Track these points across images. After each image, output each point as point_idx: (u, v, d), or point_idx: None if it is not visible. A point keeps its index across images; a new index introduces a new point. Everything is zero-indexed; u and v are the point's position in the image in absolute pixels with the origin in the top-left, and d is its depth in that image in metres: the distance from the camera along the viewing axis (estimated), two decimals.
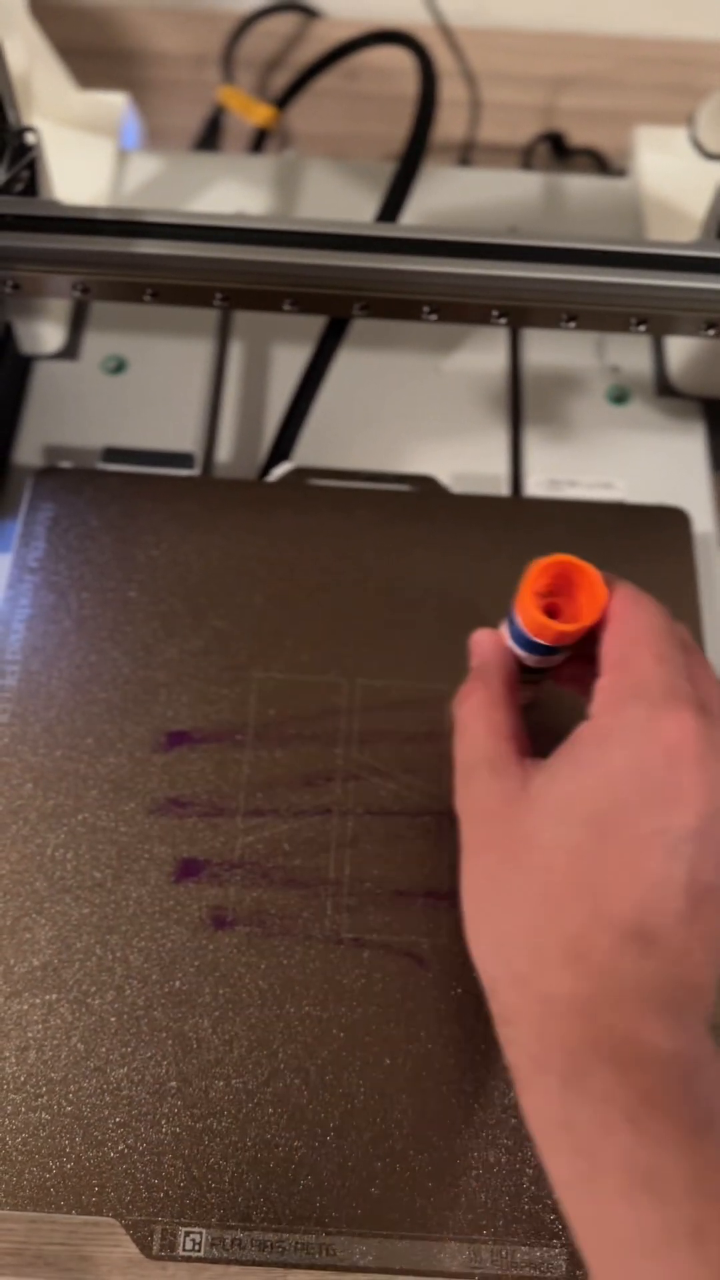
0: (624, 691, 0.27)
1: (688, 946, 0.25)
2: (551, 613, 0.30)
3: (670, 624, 0.29)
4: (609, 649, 0.28)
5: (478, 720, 0.31)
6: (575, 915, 0.26)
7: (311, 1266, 0.32)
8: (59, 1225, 0.39)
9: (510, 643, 0.32)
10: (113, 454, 0.45)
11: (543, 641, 0.30)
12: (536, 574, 0.30)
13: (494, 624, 0.42)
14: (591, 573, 0.29)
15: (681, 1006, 0.24)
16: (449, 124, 0.63)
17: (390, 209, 0.47)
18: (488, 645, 0.33)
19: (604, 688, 0.28)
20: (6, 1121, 0.33)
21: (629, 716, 0.26)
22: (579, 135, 0.65)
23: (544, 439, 0.48)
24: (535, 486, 0.46)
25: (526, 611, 0.30)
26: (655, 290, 0.40)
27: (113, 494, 0.43)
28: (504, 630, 0.33)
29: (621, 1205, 0.22)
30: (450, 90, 0.63)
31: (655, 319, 0.40)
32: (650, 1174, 0.22)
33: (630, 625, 0.28)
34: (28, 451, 0.47)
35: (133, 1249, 0.38)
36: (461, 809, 0.30)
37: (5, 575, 0.41)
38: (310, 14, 0.70)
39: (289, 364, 0.49)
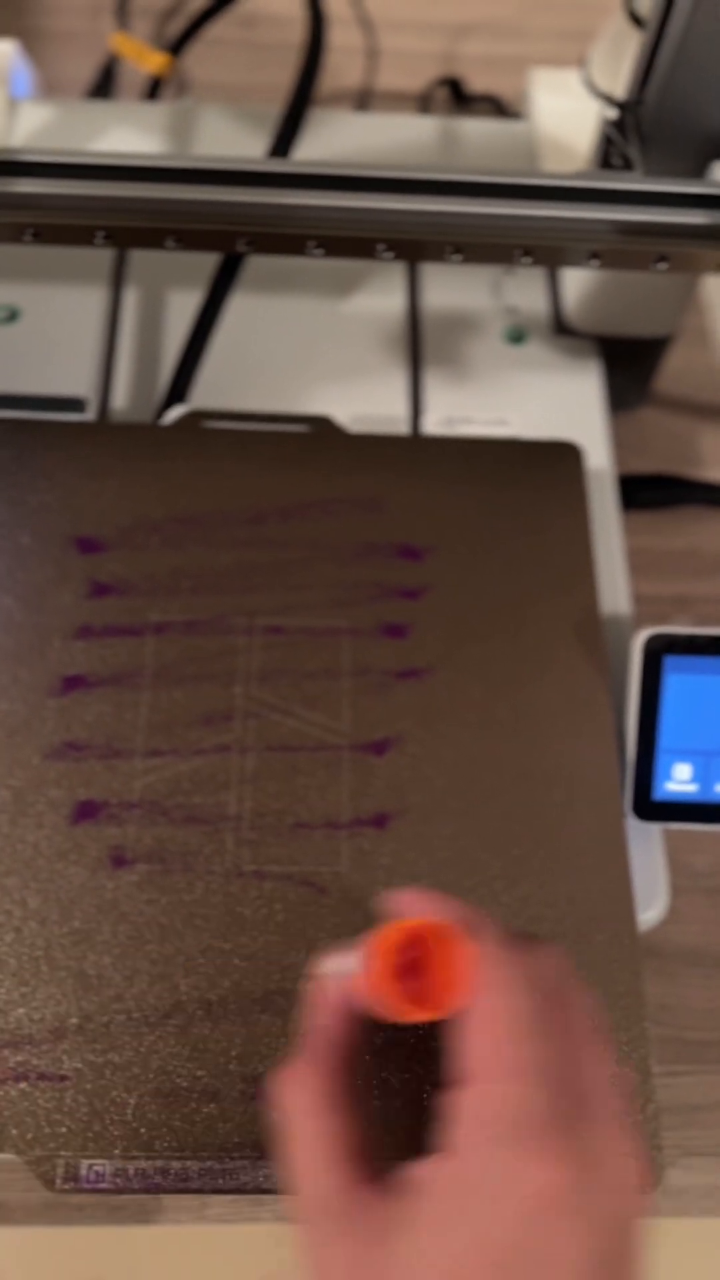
0: (484, 1124, 0.24)
1: None
2: (411, 970, 0.26)
3: (544, 1003, 0.25)
4: (468, 1048, 0.25)
5: (306, 1129, 0.26)
6: None
7: (215, 1191, 0.32)
8: None
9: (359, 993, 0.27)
10: (2, 401, 0.44)
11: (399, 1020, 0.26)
12: (390, 944, 0.26)
13: (384, 562, 0.43)
14: (453, 939, 0.26)
15: None
16: (345, 71, 0.63)
17: (279, 149, 0.47)
18: (327, 1008, 0.27)
19: (461, 1111, 0.24)
20: None
21: (492, 1165, 0.23)
22: (479, 82, 0.65)
23: (442, 379, 0.48)
24: (432, 425, 0.47)
25: (379, 992, 0.26)
26: (538, 221, 0.40)
27: (2, 441, 0.42)
28: (348, 968, 0.27)
29: None
30: (346, 37, 0.63)
31: (540, 250, 0.40)
32: None
33: (495, 1020, 0.24)
34: None
35: (49, 1193, 0.38)
36: (306, 1266, 0.25)
37: None
38: None
39: (185, 309, 0.48)
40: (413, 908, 0.28)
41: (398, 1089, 0.29)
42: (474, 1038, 0.25)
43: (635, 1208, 0.24)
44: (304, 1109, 0.26)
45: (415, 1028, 0.27)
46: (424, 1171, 0.24)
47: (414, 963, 0.26)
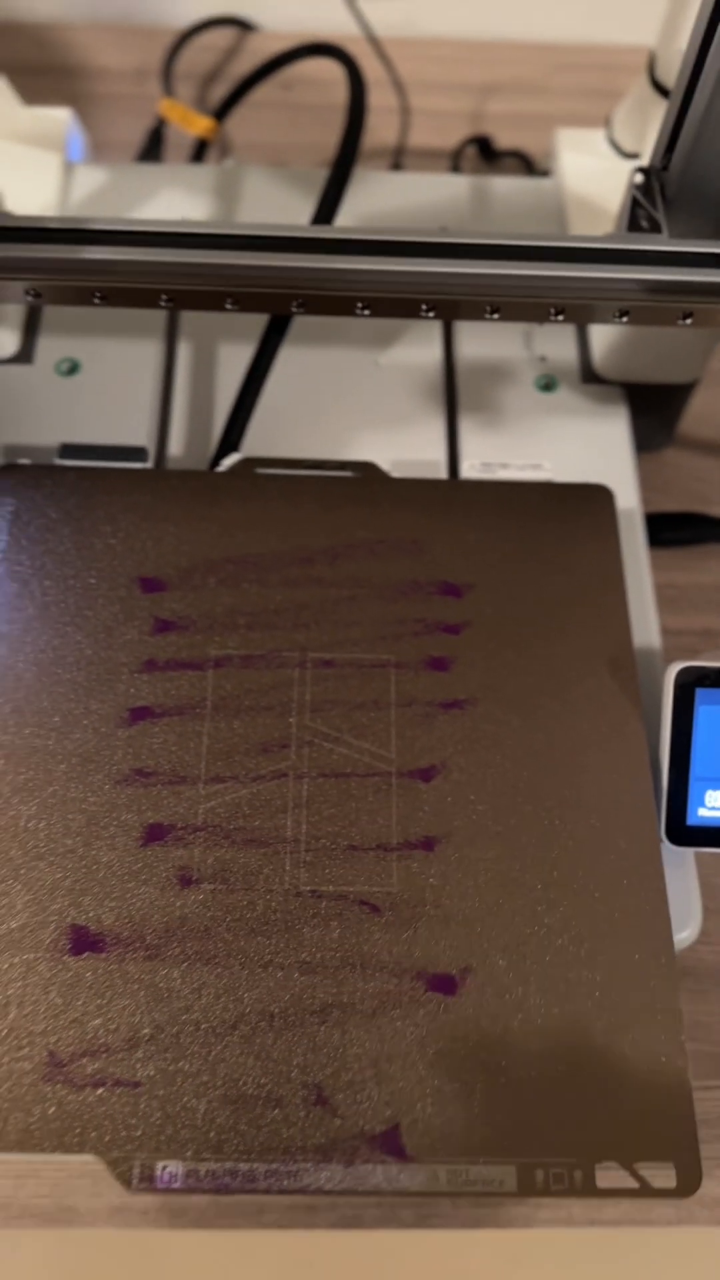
0: None
1: None
2: None
3: None
4: None
5: None
6: None
7: (281, 1191, 0.34)
8: (44, 1179, 0.41)
9: None
10: (69, 450, 0.47)
11: None
12: None
13: (426, 599, 0.45)
14: None
15: None
16: (380, 131, 0.66)
17: (324, 212, 0.50)
18: None
19: None
20: None
21: None
22: (506, 139, 0.68)
23: (477, 426, 0.51)
24: (469, 470, 0.49)
25: None
26: (570, 281, 0.43)
27: (70, 488, 0.45)
28: None
29: None
30: (381, 98, 0.66)
31: (571, 308, 0.43)
32: None
33: None
34: None
35: (114, 1198, 0.41)
36: None
37: None
38: (246, 28, 0.72)
39: (235, 361, 0.52)
40: None
41: None
42: None
43: None
44: None
45: None
46: None
47: None
